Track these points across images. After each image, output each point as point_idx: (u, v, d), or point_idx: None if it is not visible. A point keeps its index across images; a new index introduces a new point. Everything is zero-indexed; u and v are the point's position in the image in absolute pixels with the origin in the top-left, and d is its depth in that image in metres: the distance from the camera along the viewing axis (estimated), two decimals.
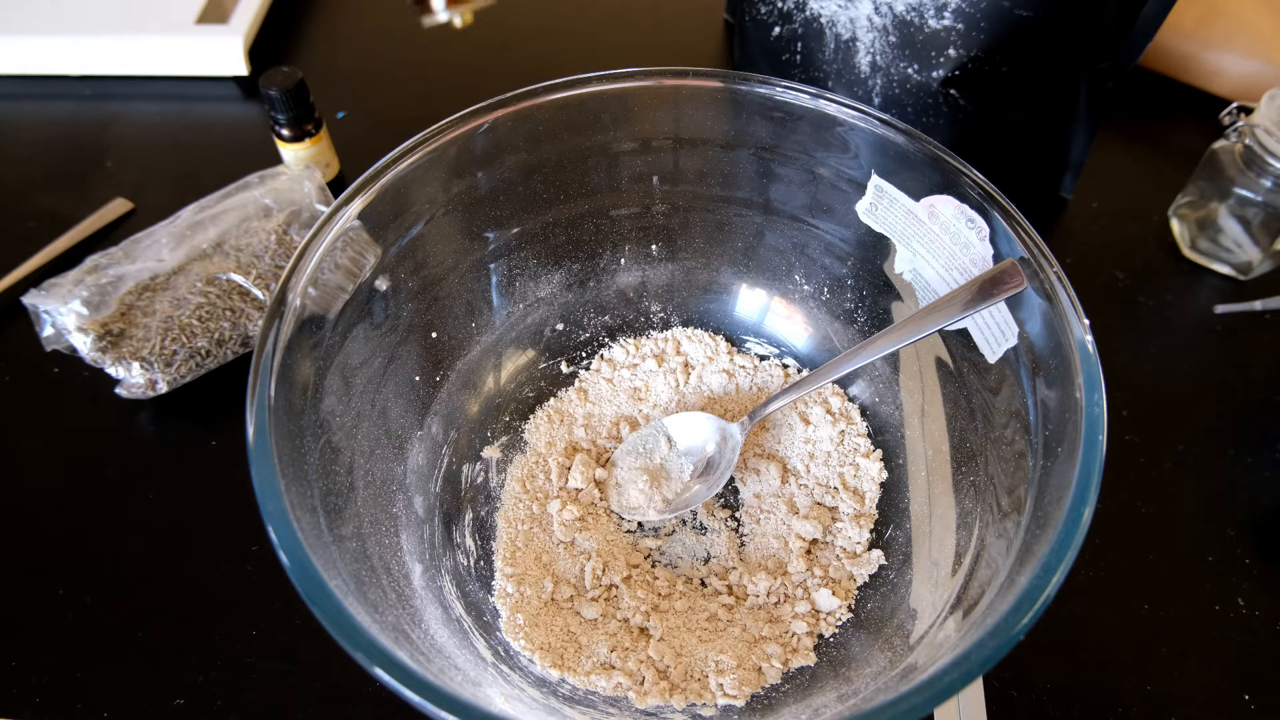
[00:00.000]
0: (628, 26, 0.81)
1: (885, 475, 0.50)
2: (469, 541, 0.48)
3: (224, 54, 0.73)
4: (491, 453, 0.52)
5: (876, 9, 0.57)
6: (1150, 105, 0.72)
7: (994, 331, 0.42)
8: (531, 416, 0.54)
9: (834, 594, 0.46)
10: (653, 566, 0.49)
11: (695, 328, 0.57)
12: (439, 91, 0.75)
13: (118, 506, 0.52)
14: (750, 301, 0.56)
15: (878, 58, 0.59)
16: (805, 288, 0.54)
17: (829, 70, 0.62)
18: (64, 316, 0.54)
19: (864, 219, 0.48)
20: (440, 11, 0.25)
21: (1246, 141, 0.56)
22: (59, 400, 0.56)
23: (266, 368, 0.37)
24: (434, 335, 0.49)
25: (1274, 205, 0.57)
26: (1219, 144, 0.59)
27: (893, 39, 0.57)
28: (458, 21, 0.25)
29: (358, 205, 0.42)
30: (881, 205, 0.46)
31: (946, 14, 0.54)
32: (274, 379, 0.37)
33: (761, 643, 0.45)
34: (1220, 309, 0.60)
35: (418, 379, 0.49)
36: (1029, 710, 0.44)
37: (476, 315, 0.52)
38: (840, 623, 0.45)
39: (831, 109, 0.46)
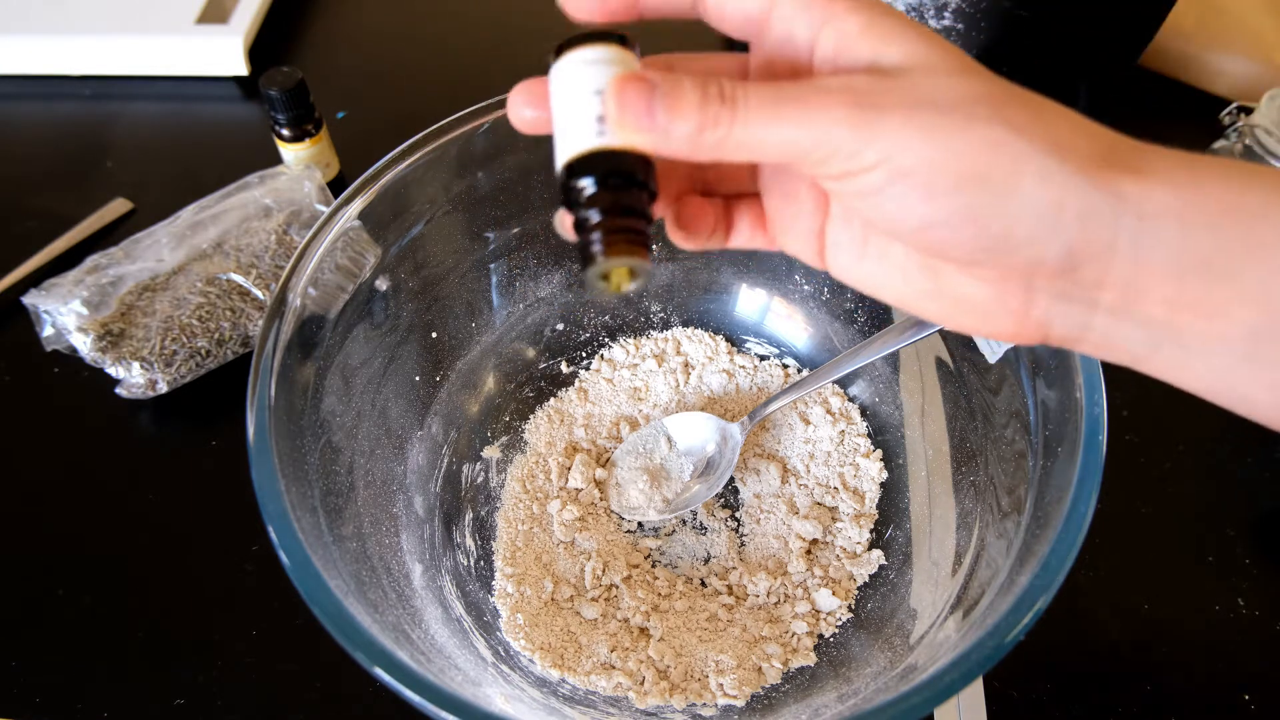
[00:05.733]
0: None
1: (885, 475, 0.50)
2: (469, 541, 0.48)
3: (224, 54, 0.73)
4: (491, 453, 0.52)
5: None
6: (1150, 105, 0.72)
7: None
8: (531, 416, 0.54)
9: (834, 594, 0.46)
10: (653, 566, 0.49)
11: (695, 328, 0.57)
12: (439, 91, 0.75)
13: (118, 506, 0.52)
14: (750, 301, 0.56)
15: None
16: (805, 288, 0.54)
17: None
18: (64, 316, 0.54)
19: None
20: (600, 258, 0.23)
21: (1246, 142, 0.56)
22: (59, 400, 0.56)
23: (266, 368, 0.37)
24: (434, 335, 0.49)
25: None
26: (1219, 144, 0.59)
27: None
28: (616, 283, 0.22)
29: (358, 205, 0.42)
30: None
31: (947, 14, 0.54)
32: (274, 379, 0.37)
33: (761, 643, 0.45)
34: None
35: (418, 379, 0.49)
36: (1029, 710, 0.44)
37: (476, 315, 0.52)
38: (840, 623, 0.45)
39: None
